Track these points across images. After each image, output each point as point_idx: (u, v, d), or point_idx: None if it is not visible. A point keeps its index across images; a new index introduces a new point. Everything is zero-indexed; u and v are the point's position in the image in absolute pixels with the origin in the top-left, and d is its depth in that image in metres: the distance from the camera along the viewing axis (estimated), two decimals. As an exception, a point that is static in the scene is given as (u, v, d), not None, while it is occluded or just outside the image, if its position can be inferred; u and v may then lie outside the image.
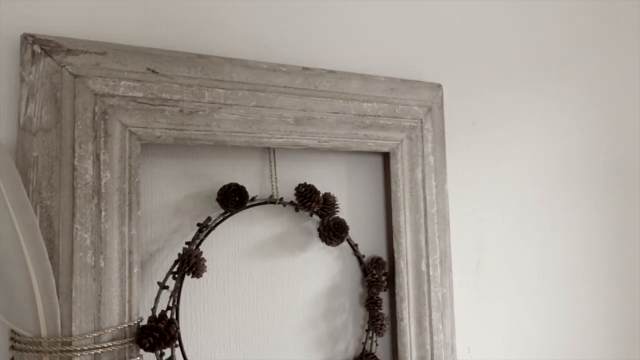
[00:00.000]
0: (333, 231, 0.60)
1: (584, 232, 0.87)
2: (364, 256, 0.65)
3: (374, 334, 0.64)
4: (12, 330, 0.46)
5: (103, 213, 0.48)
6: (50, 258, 0.45)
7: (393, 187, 0.65)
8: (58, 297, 0.46)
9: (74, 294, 0.46)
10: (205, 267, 0.53)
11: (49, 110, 0.47)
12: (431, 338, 0.65)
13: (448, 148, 0.72)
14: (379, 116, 0.63)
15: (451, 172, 0.73)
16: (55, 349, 0.45)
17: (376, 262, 0.65)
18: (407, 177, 0.66)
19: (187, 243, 0.54)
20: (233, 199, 0.56)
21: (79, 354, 0.46)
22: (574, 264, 0.86)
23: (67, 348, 0.45)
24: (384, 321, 0.63)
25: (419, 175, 0.66)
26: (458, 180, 0.74)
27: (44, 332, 0.45)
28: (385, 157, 0.67)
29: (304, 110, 0.59)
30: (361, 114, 0.62)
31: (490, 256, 0.77)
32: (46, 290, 0.45)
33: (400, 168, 0.65)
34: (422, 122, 0.67)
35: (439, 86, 0.70)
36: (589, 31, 0.92)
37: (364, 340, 0.64)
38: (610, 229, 0.91)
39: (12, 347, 0.45)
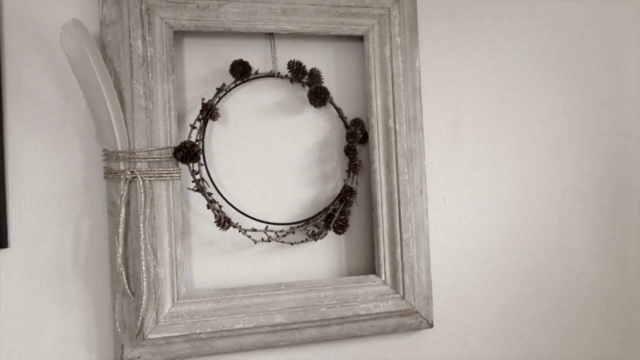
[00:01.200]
0: (315, 93, 0.82)
1: (564, 113, 0.98)
2: (346, 117, 0.86)
3: (353, 173, 0.85)
4: (103, 149, 0.75)
5: (150, 74, 0.75)
6: (120, 102, 0.74)
7: (366, 62, 0.85)
8: (126, 126, 0.74)
9: (134, 124, 0.74)
10: (219, 114, 0.79)
11: (115, 10, 0.74)
12: (397, 177, 0.85)
13: (423, 34, 0.89)
14: (350, 6, 0.83)
15: (428, 54, 0.90)
16: (125, 156, 0.74)
17: (355, 121, 0.86)
18: (377, 54, 0.85)
19: (208, 100, 0.79)
20: (238, 69, 0.80)
21: (138, 160, 0.74)
22: (554, 139, 0.97)
23: (132, 156, 0.74)
24: (359, 162, 0.84)
25: (387, 52, 0.85)
26: (435, 62, 0.91)
27: (119, 147, 0.74)
28: (361, 39, 0.86)
29: (288, 4, 0.80)
30: (335, 5, 0.82)
31: (467, 128, 0.93)
32: (119, 122, 0.74)
33: (372, 47, 0.85)
34: (389, 10, 0.85)
35: (411, -18, 0.87)
36: None
37: (345, 178, 0.86)
38: (593, 105, 1.00)
39: (104, 158, 0.75)
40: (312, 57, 0.85)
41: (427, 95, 0.90)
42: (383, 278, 0.84)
